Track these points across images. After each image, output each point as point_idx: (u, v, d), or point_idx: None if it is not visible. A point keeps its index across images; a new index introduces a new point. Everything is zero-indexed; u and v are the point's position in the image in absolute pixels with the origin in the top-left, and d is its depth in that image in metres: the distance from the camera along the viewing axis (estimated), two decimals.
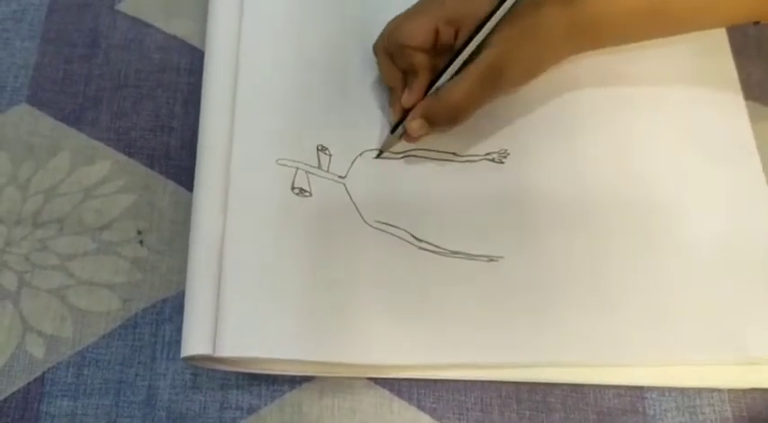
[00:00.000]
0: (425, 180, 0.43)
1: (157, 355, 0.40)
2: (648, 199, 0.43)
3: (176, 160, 0.45)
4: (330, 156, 0.43)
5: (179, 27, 0.49)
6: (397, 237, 0.41)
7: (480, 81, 0.39)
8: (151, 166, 0.45)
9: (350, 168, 0.43)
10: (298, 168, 0.42)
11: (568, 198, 0.43)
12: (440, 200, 0.43)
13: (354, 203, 0.42)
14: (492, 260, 0.41)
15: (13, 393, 0.39)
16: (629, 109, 0.46)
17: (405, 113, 0.42)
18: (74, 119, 0.46)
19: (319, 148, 0.43)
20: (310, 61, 0.46)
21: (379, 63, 0.43)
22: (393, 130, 0.42)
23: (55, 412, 0.39)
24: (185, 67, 0.48)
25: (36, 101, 0.47)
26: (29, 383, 0.40)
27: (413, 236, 0.41)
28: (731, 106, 0.46)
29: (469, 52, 0.39)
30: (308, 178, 0.42)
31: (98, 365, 0.40)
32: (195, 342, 0.37)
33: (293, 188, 0.42)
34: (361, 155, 0.43)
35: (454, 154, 0.44)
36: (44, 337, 0.40)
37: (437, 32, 0.39)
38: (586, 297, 0.40)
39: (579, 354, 0.39)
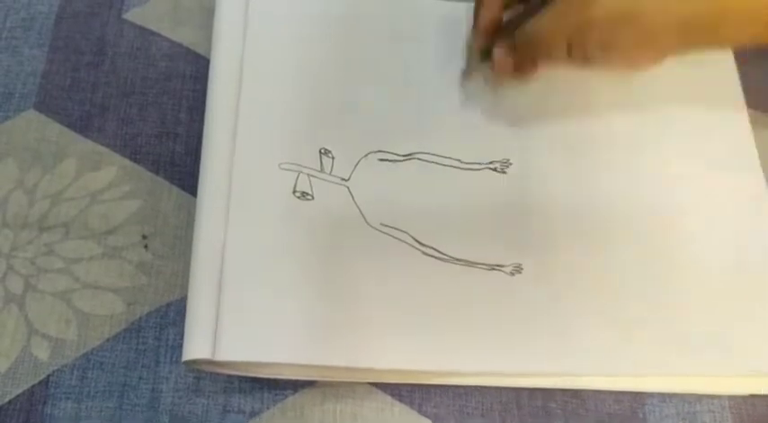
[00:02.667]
0: (429, 184, 0.43)
1: (161, 358, 0.41)
2: (652, 212, 0.43)
3: (181, 166, 0.46)
4: (333, 158, 0.43)
5: (185, 35, 0.50)
6: (401, 240, 0.42)
7: (570, 4, 0.36)
8: (156, 172, 0.45)
9: (353, 171, 0.43)
10: (300, 172, 0.43)
11: (571, 210, 0.43)
12: (442, 205, 0.43)
13: (358, 206, 0.42)
14: (493, 269, 0.41)
15: (18, 395, 0.40)
16: (634, 121, 0.46)
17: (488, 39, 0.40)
18: (81, 125, 0.47)
19: (322, 151, 0.43)
20: (313, 65, 0.46)
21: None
22: (483, 58, 0.40)
23: (59, 414, 0.39)
24: (191, 75, 0.49)
25: (44, 107, 0.47)
26: (33, 386, 0.40)
27: (416, 240, 0.42)
28: (734, 116, 0.46)
29: None
30: (309, 181, 0.42)
31: (102, 368, 0.40)
32: (195, 346, 0.38)
33: (295, 192, 0.42)
34: (365, 156, 0.44)
35: (458, 160, 0.44)
36: (49, 340, 0.41)
37: None
38: (589, 308, 0.40)
39: (580, 364, 0.39)
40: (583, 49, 0.37)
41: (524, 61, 0.41)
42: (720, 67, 0.48)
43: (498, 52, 0.39)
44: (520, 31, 0.38)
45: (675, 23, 0.36)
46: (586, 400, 0.40)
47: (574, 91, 0.46)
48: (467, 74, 0.42)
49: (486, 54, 0.43)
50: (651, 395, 0.40)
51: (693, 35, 0.36)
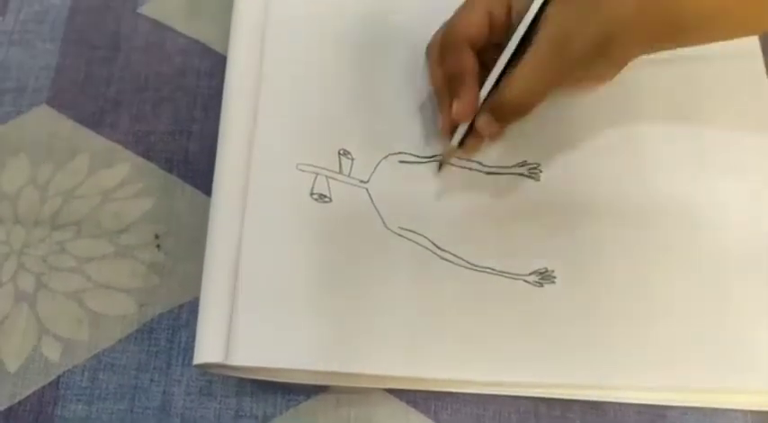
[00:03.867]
0: (450, 188, 0.42)
1: (173, 360, 0.40)
2: (695, 222, 0.42)
3: (195, 164, 0.45)
4: (352, 160, 0.43)
5: (200, 31, 0.49)
6: (420, 245, 0.41)
7: (543, 58, 0.35)
8: (170, 170, 0.45)
9: (373, 172, 0.42)
10: (317, 174, 0.42)
11: (603, 216, 0.42)
12: (464, 210, 0.42)
13: (377, 208, 0.42)
14: (515, 277, 0.40)
15: (28, 396, 0.39)
16: (673, 130, 0.44)
17: (466, 122, 0.38)
18: (93, 121, 0.46)
19: (341, 152, 0.43)
20: (333, 64, 0.45)
21: (430, 67, 0.41)
22: (460, 144, 0.39)
23: (69, 416, 0.39)
24: (205, 71, 0.48)
25: (56, 102, 0.47)
26: (44, 387, 0.39)
27: (435, 245, 0.41)
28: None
29: (525, 28, 0.35)
30: (328, 183, 0.42)
31: (113, 370, 0.40)
32: (208, 349, 0.37)
33: (312, 194, 0.41)
34: (385, 158, 0.43)
35: (481, 163, 0.43)
36: (60, 341, 0.40)
37: (491, 16, 0.36)
38: (621, 320, 0.39)
39: (600, 375, 0.38)
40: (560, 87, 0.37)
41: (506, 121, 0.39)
42: (753, 78, 0.46)
43: (482, 126, 0.37)
44: (500, 99, 0.36)
45: (646, 36, 0.36)
46: (607, 411, 0.39)
47: (610, 98, 0.45)
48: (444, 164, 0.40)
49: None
50: (672, 407, 0.39)
51: (659, 43, 0.36)
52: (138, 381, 0.40)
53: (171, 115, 0.46)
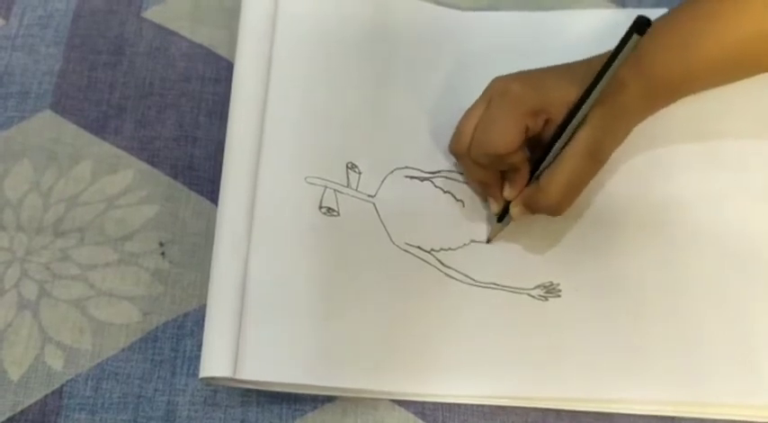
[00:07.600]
0: (453, 204, 0.42)
1: (177, 370, 0.40)
2: (690, 232, 0.42)
3: (200, 171, 0.44)
4: (359, 174, 0.42)
5: (205, 35, 0.49)
6: (425, 261, 0.41)
7: (580, 164, 0.38)
8: (174, 177, 0.44)
9: (380, 187, 0.42)
10: (326, 187, 0.41)
11: (604, 230, 0.42)
12: (467, 225, 0.42)
13: (383, 224, 0.41)
14: (520, 291, 0.40)
15: (31, 406, 0.39)
16: (679, 138, 0.44)
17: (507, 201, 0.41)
18: (97, 127, 0.46)
19: (349, 165, 0.42)
20: (342, 78, 0.45)
21: (464, 165, 0.42)
22: (500, 219, 0.41)
23: None
24: (210, 77, 0.47)
25: (60, 108, 0.46)
26: (47, 396, 0.39)
27: (439, 261, 0.41)
28: None
29: (568, 137, 0.37)
30: (336, 197, 0.41)
31: (117, 379, 0.39)
32: (215, 363, 0.36)
33: (321, 207, 0.41)
34: (391, 173, 0.43)
35: None
36: (63, 349, 0.40)
37: (527, 130, 0.38)
38: (619, 333, 0.39)
39: (606, 389, 0.38)
40: None
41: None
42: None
43: (516, 214, 0.40)
44: (537, 201, 0.39)
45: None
46: (616, 422, 0.39)
47: None
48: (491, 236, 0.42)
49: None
50: (685, 418, 0.39)
51: (655, 101, 0.42)
52: (142, 390, 0.39)
53: (175, 121, 0.46)
